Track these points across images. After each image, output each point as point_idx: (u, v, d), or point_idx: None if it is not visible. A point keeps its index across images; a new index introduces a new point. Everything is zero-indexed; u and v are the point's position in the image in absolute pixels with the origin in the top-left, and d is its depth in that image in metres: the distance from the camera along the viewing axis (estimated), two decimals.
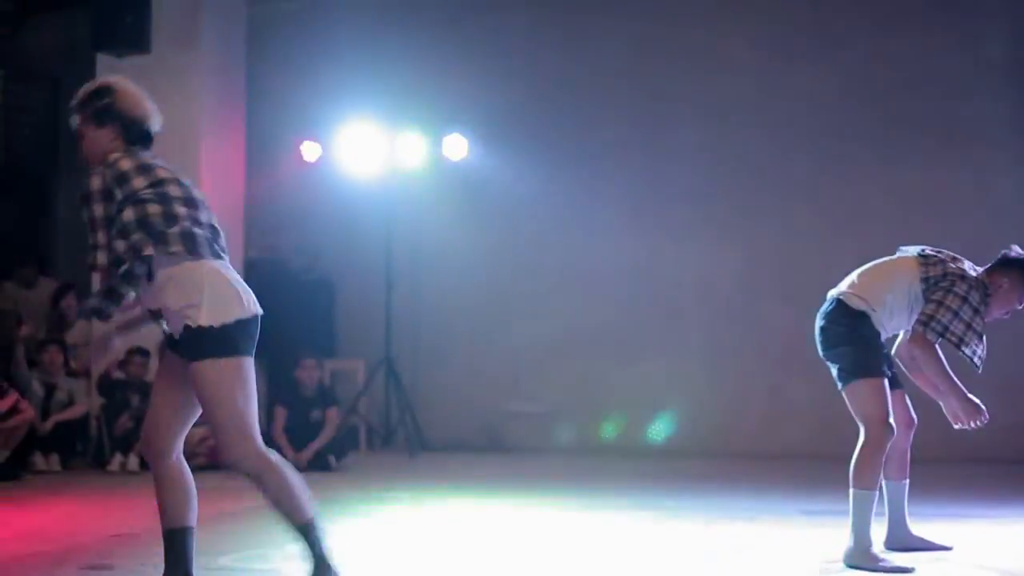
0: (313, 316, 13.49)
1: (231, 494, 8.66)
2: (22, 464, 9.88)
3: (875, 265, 5.86)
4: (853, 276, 5.83)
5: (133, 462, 10.47)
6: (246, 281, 4.37)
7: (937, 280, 5.62)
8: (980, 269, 5.76)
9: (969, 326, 5.53)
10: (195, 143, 11.65)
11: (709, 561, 5.67)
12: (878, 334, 5.64)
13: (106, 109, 4.45)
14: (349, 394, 12.75)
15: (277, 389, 12.15)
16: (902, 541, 5.90)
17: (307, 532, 4.29)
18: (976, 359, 5.58)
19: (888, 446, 5.54)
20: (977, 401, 5.61)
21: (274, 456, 4.29)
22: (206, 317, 4.16)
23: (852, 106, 12.33)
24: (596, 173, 13.10)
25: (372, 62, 13.45)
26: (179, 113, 11.67)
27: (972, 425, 5.62)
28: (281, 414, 10.85)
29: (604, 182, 13.09)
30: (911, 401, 5.95)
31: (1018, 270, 5.72)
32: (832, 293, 5.82)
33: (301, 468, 10.33)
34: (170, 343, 4.39)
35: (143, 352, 10.95)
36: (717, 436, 12.27)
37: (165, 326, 4.33)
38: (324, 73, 13.58)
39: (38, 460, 10.15)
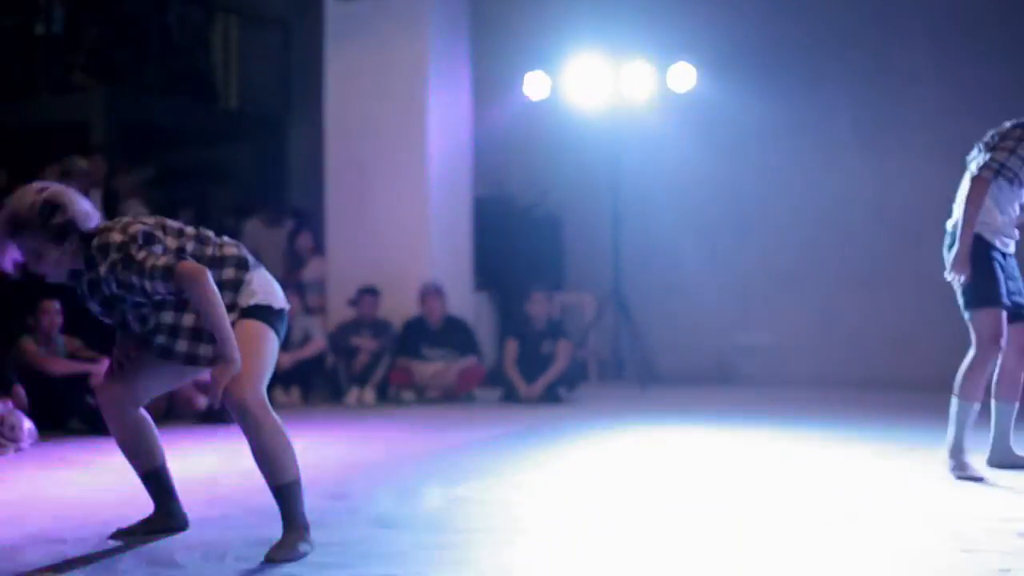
0: (541, 250, 13.59)
1: (473, 425, 8.85)
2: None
3: (964, 182, 6.08)
4: (957, 199, 6.09)
5: (369, 396, 10.79)
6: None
7: (996, 143, 5.93)
8: None
9: None
10: (422, 85, 11.79)
11: (953, 491, 5.52)
12: (990, 246, 5.89)
13: (63, 227, 4.12)
14: (577, 327, 12.81)
15: (509, 322, 12.30)
16: (1003, 459, 6.14)
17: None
18: None
19: (990, 365, 5.99)
20: (967, 265, 5.83)
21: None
22: None
23: None
24: (826, 100, 12.76)
25: None
26: (406, 55, 11.83)
27: (950, 276, 5.94)
28: (513, 347, 10.97)
29: (835, 109, 12.74)
30: None
31: None
32: (947, 225, 6.13)
33: (532, 400, 10.54)
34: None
35: (372, 291, 11.21)
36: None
37: None
38: (549, 2, 13.54)
39: (279, 394, 10.52)
